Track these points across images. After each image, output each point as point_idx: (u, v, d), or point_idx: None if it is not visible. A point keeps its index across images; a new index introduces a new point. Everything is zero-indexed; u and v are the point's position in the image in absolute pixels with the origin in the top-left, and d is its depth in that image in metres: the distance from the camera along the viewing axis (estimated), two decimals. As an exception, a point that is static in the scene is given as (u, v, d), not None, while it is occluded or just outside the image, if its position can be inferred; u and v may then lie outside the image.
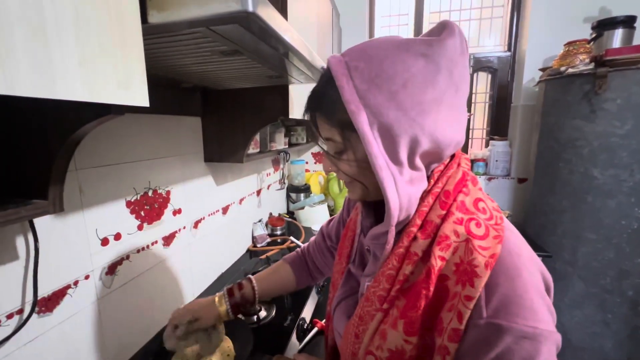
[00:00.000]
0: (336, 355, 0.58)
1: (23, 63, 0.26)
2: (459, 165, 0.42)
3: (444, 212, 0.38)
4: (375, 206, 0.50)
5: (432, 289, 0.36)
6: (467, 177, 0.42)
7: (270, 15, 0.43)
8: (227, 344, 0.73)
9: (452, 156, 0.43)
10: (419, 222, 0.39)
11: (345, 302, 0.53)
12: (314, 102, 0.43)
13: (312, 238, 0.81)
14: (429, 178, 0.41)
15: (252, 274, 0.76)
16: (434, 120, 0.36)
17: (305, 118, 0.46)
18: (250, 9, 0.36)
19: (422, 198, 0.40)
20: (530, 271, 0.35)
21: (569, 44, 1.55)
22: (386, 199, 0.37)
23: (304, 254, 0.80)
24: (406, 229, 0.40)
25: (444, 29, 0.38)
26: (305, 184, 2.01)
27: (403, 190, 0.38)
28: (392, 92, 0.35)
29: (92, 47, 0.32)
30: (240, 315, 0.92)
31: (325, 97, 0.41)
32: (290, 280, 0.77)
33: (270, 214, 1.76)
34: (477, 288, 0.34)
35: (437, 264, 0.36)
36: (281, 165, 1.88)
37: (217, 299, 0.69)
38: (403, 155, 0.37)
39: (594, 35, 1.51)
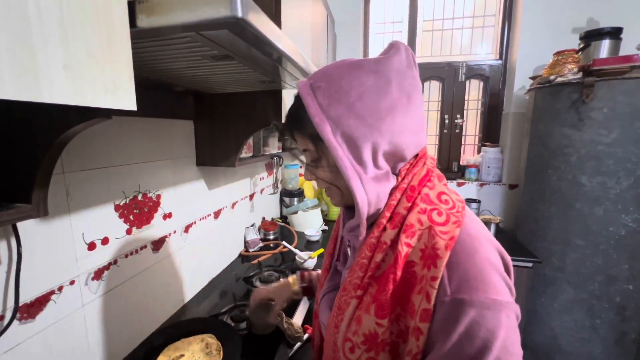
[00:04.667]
0: (322, 353, 0.59)
1: (5, 65, 0.25)
2: (424, 164, 0.46)
3: (409, 204, 0.43)
4: (354, 206, 0.54)
5: (399, 273, 0.40)
6: (431, 174, 0.46)
7: (261, 21, 0.43)
8: (211, 339, 0.77)
9: (418, 156, 0.47)
10: (388, 214, 0.43)
11: (329, 295, 0.57)
12: (290, 120, 0.50)
13: None
14: (396, 176, 0.45)
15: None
16: (390, 124, 0.41)
17: (286, 136, 0.52)
18: (240, 14, 0.37)
19: (391, 193, 0.44)
20: (487, 249, 0.39)
21: (558, 53, 1.59)
22: (354, 195, 0.42)
23: None
24: (377, 221, 0.44)
25: (391, 48, 0.45)
26: (299, 189, 2.00)
27: (369, 187, 0.42)
28: (350, 104, 0.41)
29: (78, 51, 0.31)
30: (229, 321, 0.91)
31: (298, 114, 0.47)
32: None
33: (263, 218, 1.76)
34: (439, 268, 0.37)
35: (403, 250, 0.40)
36: (274, 170, 1.87)
37: (291, 280, 0.85)
38: (366, 156, 0.41)
39: (582, 46, 1.55)
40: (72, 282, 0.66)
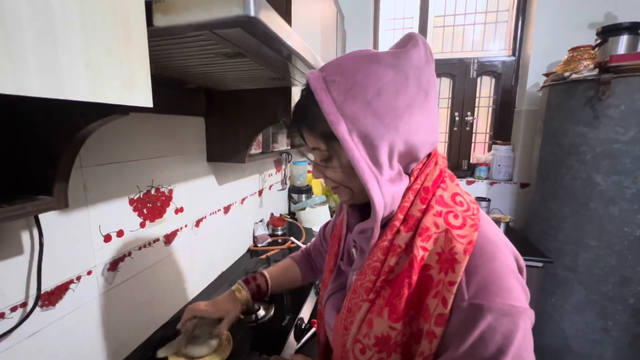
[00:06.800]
0: (328, 351, 0.59)
1: (32, 64, 0.27)
2: (436, 163, 0.45)
3: (424, 206, 0.41)
4: (360, 205, 0.53)
5: (414, 277, 0.39)
6: (444, 174, 0.44)
7: (272, 20, 0.44)
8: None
9: (430, 155, 0.46)
10: (401, 216, 0.42)
11: (335, 296, 0.56)
12: (298, 116, 0.46)
13: (314, 238, 0.86)
14: (409, 176, 0.44)
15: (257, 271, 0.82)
16: (407, 123, 0.39)
17: (293, 131, 0.49)
18: (252, 13, 0.37)
19: (403, 194, 0.43)
20: (505, 254, 0.39)
21: (573, 49, 1.55)
22: (371, 199, 0.40)
23: (308, 253, 0.86)
24: (389, 223, 0.43)
25: (409, 40, 0.42)
26: (307, 185, 2.01)
27: (386, 189, 0.41)
28: (367, 101, 0.38)
29: (98, 50, 0.33)
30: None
31: (308, 110, 0.44)
32: (297, 277, 0.83)
33: (272, 214, 1.77)
34: (457, 273, 0.36)
35: (419, 253, 0.39)
36: (283, 166, 1.89)
37: (235, 291, 0.74)
38: (382, 158, 0.40)
39: (598, 41, 1.50)
40: (89, 273, 0.69)
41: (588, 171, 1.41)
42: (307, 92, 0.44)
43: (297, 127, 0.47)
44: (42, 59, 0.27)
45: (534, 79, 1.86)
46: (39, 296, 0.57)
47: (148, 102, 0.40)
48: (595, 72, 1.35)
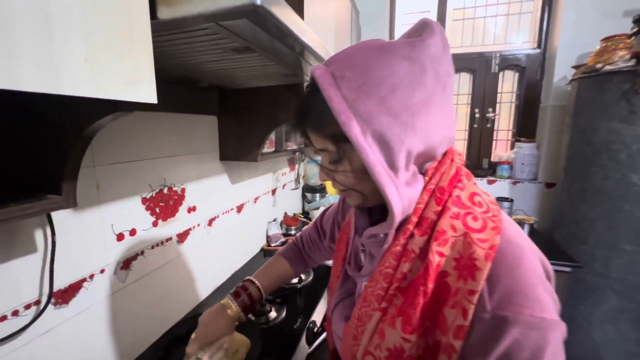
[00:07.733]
0: (338, 359, 0.56)
1: (26, 58, 0.25)
2: (452, 161, 0.41)
3: (439, 208, 0.38)
4: (369, 207, 0.50)
5: (430, 285, 0.35)
6: (460, 172, 0.41)
7: (280, 10, 0.41)
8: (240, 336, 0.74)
9: (447, 153, 0.42)
10: (415, 219, 0.39)
11: (343, 303, 0.53)
12: (303, 116, 0.43)
13: (306, 228, 0.82)
14: (423, 175, 0.40)
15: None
16: (425, 121, 0.36)
17: (296, 132, 0.45)
18: (258, 1, 0.35)
19: None
20: (531, 259, 0.35)
21: (606, 39, 1.45)
22: (389, 204, 0.37)
23: (297, 246, 0.81)
24: (402, 226, 0.40)
25: (424, 28, 0.38)
26: (321, 184, 1.99)
27: (404, 193, 0.37)
28: (381, 98, 0.35)
29: (98, 43, 0.31)
30: (250, 316, 0.92)
31: (313, 109, 0.40)
32: (288, 272, 0.78)
33: (285, 213, 1.76)
34: (478, 281, 0.33)
35: (435, 259, 0.36)
36: (297, 165, 1.87)
37: (226, 307, 0.67)
38: (399, 160, 0.36)
39: (635, 30, 1.39)
40: (102, 271, 0.69)
41: (622, 170, 1.31)
42: (312, 89, 0.40)
43: (302, 127, 0.43)
44: (37, 52, 0.26)
45: (562, 72, 1.75)
46: (51, 294, 0.57)
47: (152, 98, 0.38)
48: (632, 62, 1.24)
